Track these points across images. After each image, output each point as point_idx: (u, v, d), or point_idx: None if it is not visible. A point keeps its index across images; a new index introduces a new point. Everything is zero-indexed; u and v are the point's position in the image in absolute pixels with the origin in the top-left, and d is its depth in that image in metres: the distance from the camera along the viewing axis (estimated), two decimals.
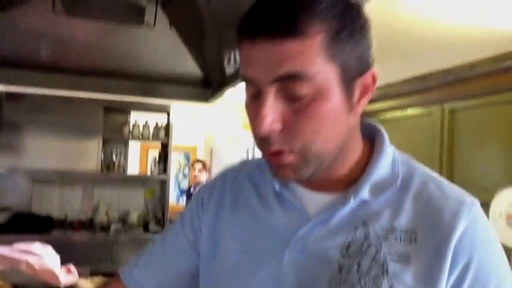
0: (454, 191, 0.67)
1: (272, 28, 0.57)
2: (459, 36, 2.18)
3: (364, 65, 0.62)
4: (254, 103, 0.62)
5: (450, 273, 0.60)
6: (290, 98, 0.59)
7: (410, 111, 3.25)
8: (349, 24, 0.59)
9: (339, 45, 0.58)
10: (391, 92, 3.25)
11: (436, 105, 2.95)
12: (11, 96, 3.89)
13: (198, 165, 4.32)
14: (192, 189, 4.50)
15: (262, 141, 0.63)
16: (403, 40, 2.28)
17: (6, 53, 2.19)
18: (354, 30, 0.59)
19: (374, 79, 0.64)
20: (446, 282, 0.60)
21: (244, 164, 0.86)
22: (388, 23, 2.02)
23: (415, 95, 3.13)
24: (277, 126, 0.60)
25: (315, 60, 0.57)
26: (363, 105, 0.65)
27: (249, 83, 0.62)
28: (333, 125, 0.61)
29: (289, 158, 0.62)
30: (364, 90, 0.64)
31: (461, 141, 2.79)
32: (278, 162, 0.63)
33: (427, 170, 0.70)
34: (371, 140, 0.72)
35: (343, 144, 0.65)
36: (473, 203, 0.65)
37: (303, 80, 0.57)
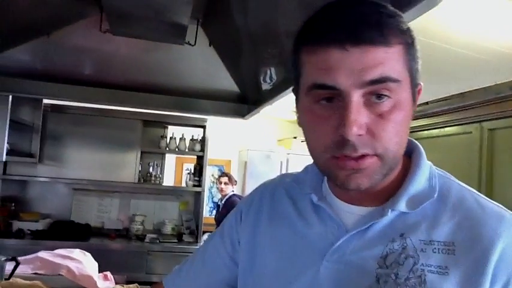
0: (493, 205, 0.67)
1: (362, 35, 0.59)
2: (497, 55, 2.15)
3: (418, 77, 0.67)
4: (325, 109, 0.63)
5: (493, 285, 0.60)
6: (373, 103, 0.61)
7: (448, 130, 3.19)
8: (414, 38, 0.65)
9: (411, 56, 0.64)
10: (429, 110, 3.22)
11: (475, 124, 2.89)
12: (55, 109, 4.06)
13: (224, 179, 4.41)
14: (219, 201, 4.59)
15: (339, 146, 0.62)
16: (442, 58, 2.26)
17: (53, 68, 2.30)
18: (416, 45, 0.65)
19: (419, 92, 0.69)
20: None
21: (282, 178, 0.89)
22: (427, 42, 2.02)
23: (453, 113, 3.08)
24: (363, 130, 0.61)
25: (397, 67, 0.62)
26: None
27: (327, 89, 0.62)
28: (407, 129, 0.65)
29: (370, 162, 0.63)
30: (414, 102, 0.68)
31: (501, 161, 2.72)
32: (358, 167, 0.63)
33: (464, 185, 0.71)
34: (409, 156, 0.74)
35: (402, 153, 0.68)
36: None
37: (390, 85, 0.61)
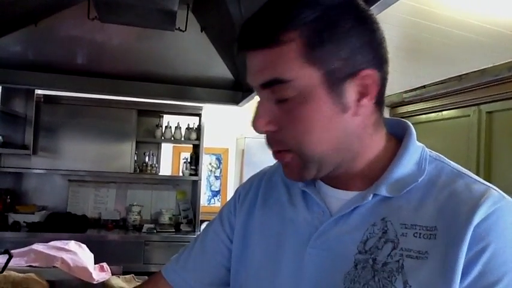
0: (484, 186, 0.63)
1: (253, 40, 0.63)
2: (495, 35, 2.11)
3: (358, 65, 0.62)
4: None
5: (464, 259, 0.57)
6: (280, 101, 0.63)
7: (446, 113, 3.17)
8: (330, 27, 0.60)
9: (318, 49, 0.60)
10: (426, 94, 3.18)
11: (473, 107, 2.86)
12: (49, 100, 4.02)
13: None
14: None
15: (266, 141, 0.68)
16: (438, 40, 2.23)
17: (45, 58, 2.26)
18: (336, 32, 0.60)
19: (373, 79, 0.63)
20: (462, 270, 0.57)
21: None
22: (424, 24, 1.98)
23: (451, 96, 3.05)
24: (272, 127, 0.65)
25: (292, 65, 0.60)
26: (367, 106, 0.65)
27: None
28: (324, 126, 0.62)
29: (289, 158, 0.66)
30: (364, 91, 0.63)
31: (499, 144, 2.70)
32: (281, 161, 0.68)
33: (459, 168, 0.68)
34: (400, 137, 0.72)
35: (347, 145, 0.65)
36: (501, 196, 0.61)
37: (284, 85, 0.61)
